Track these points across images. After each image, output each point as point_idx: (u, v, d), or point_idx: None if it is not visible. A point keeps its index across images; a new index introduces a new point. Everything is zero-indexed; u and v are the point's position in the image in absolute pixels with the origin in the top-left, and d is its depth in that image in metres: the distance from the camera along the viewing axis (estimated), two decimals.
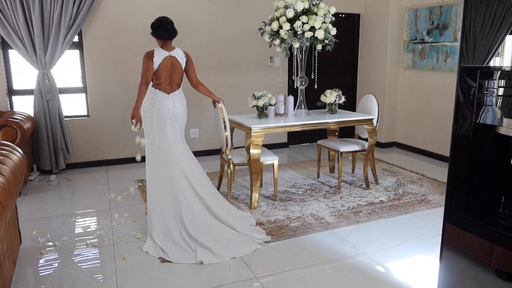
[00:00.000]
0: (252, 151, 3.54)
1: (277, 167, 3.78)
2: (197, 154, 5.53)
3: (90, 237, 3.16)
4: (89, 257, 2.86)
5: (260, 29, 3.94)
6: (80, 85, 4.95)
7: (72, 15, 4.49)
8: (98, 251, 2.94)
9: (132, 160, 5.21)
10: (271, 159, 3.75)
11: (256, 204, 3.64)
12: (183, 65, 3.28)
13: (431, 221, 3.41)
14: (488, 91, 1.50)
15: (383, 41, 5.79)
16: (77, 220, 3.48)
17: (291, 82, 5.92)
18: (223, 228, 3.09)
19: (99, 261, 2.82)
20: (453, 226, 1.80)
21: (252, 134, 3.52)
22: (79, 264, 2.77)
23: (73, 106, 4.98)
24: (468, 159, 1.66)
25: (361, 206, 3.71)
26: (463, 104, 1.65)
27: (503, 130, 1.57)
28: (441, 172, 4.78)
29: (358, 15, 6.21)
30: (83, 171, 4.89)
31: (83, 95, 4.99)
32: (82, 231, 3.28)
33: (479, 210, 1.71)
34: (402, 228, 3.28)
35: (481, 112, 1.58)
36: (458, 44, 4.84)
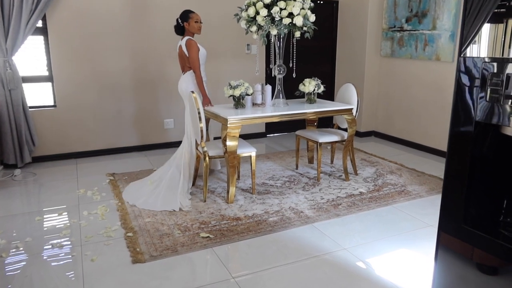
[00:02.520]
0: (228, 143, 3.39)
1: (255, 159, 3.65)
2: (172, 145, 5.36)
3: (56, 236, 2.96)
4: (55, 259, 2.67)
5: (236, 15, 3.76)
6: (46, 73, 4.67)
7: None
8: (64, 252, 2.75)
9: (103, 152, 4.99)
10: (249, 151, 3.62)
11: (233, 198, 3.51)
12: (186, 52, 3.80)
13: (411, 212, 3.36)
14: (494, 85, 1.34)
15: (362, 28, 5.70)
16: (43, 219, 3.27)
17: (269, 71, 5.76)
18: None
19: (65, 263, 2.63)
20: (449, 236, 1.63)
21: (228, 125, 3.36)
22: (43, 267, 2.59)
23: (38, 96, 4.70)
24: (468, 162, 1.49)
25: (340, 198, 3.63)
26: (463, 100, 1.46)
27: (510, 131, 1.42)
28: (420, 161, 4.75)
29: (336, 2, 6.08)
30: (51, 165, 4.64)
31: (49, 84, 4.71)
32: (48, 230, 3.08)
33: (478, 219, 1.55)
34: (382, 221, 3.22)
35: (484, 110, 1.43)
36: (436, 32, 4.79)
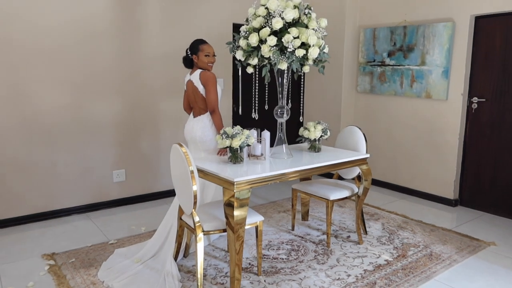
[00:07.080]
0: (236, 213, 2.50)
1: (262, 229, 2.79)
2: (125, 201, 4.25)
3: None
4: None
5: (230, 43, 2.95)
6: None
7: None
8: None
9: (32, 218, 3.73)
10: (255, 220, 2.75)
11: (240, 286, 2.60)
12: (200, 88, 3.13)
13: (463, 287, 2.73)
14: None
15: (335, 62, 5.19)
16: None
17: (235, 108, 4.98)
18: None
19: None
20: None
21: (235, 190, 2.48)
22: None
23: None
24: None
25: (369, 272, 2.89)
26: None
27: None
28: (419, 210, 4.24)
29: None
30: None
31: None
32: None
33: None
34: None
35: None
36: (426, 67, 4.42)
